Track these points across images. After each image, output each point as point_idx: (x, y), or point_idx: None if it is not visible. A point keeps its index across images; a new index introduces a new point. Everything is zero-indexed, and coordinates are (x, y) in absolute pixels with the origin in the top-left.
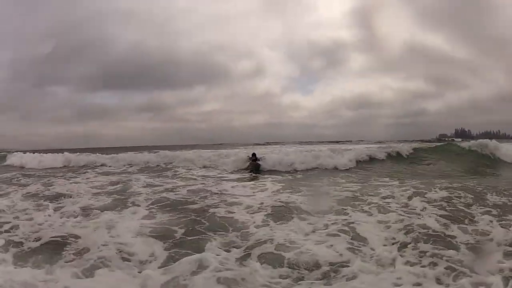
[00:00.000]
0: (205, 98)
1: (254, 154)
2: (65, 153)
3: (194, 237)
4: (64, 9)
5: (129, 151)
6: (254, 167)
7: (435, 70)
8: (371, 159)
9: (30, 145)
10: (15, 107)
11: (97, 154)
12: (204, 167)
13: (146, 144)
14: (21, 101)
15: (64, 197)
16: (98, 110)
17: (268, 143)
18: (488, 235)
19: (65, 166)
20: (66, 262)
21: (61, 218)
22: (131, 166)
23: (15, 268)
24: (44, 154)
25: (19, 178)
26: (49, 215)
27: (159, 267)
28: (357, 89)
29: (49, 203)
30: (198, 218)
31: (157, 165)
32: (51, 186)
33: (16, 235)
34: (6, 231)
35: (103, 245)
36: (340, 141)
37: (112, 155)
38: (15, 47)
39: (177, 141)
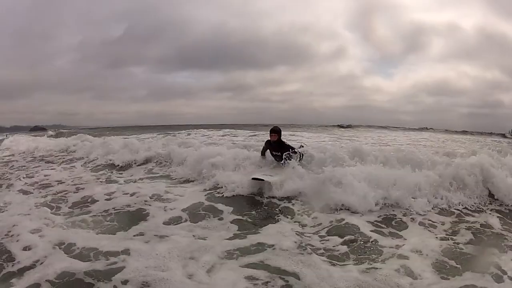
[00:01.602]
0: (287, 78)
1: (277, 131)
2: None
3: None
4: None
5: (207, 128)
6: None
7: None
8: None
9: (106, 123)
10: (89, 87)
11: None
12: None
13: (225, 123)
14: (95, 81)
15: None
16: (177, 89)
17: (350, 126)
18: None
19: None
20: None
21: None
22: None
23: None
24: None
25: None
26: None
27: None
28: (436, 75)
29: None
30: None
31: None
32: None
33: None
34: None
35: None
36: (422, 128)
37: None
38: (86, 30)
39: (257, 120)
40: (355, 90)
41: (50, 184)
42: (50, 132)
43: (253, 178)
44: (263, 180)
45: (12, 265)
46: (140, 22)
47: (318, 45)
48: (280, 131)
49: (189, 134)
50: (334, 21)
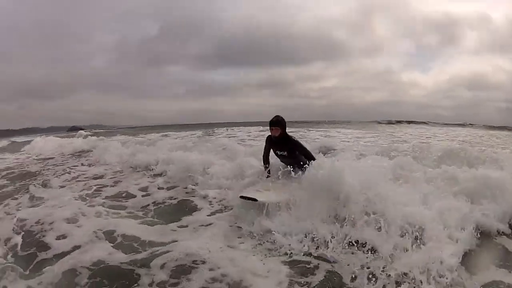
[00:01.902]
0: (324, 74)
1: (279, 122)
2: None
3: None
4: None
5: (248, 126)
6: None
7: None
8: None
9: (146, 121)
10: (127, 86)
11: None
12: None
13: (267, 120)
14: (133, 80)
15: None
16: (217, 86)
17: (391, 122)
18: None
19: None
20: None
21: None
22: None
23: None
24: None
25: None
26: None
27: None
28: (471, 68)
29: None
30: None
31: None
32: None
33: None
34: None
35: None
36: (462, 124)
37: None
38: (121, 29)
39: (297, 117)
40: (392, 85)
41: (86, 179)
42: (83, 133)
43: (241, 197)
44: (255, 200)
45: (46, 253)
46: (175, 19)
47: (354, 40)
48: (284, 122)
49: (226, 129)
50: (369, 13)
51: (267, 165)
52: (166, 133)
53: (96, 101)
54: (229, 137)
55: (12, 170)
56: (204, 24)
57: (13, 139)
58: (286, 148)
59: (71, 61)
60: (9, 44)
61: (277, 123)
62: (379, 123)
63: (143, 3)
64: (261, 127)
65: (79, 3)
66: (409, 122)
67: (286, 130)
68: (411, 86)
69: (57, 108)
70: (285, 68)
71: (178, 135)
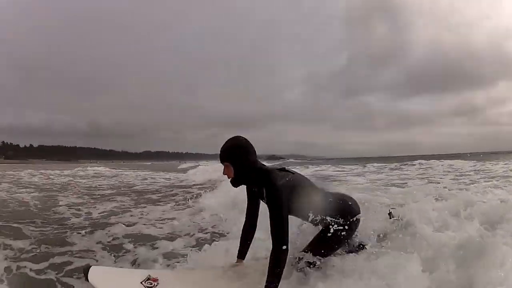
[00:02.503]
0: (509, 94)
1: (224, 157)
2: None
3: None
4: None
5: (444, 158)
6: None
7: None
8: None
9: (347, 153)
10: (325, 117)
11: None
12: None
13: (464, 152)
14: (330, 112)
15: None
16: (412, 117)
17: None
18: None
19: None
20: None
21: None
22: None
23: None
24: None
25: None
26: None
27: None
28: None
29: None
30: None
31: None
32: None
33: None
34: None
35: None
36: None
37: None
38: (310, 62)
39: (492, 147)
40: None
41: None
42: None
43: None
44: None
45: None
46: (360, 49)
47: None
48: (235, 151)
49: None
50: None
51: (247, 233)
52: (364, 165)
53: (295, 132)
54: (422, 168)
55: (203, 185)
56: (391, 51)
57: (201, 162)
58: (260, 195)
59: (264, 93)
60: (200, 81)
61: (222, 156)
62: None
63: (328, 35)
64: (461, 160)
65: (263, 40)
66: None
67: (265, 163)
68: None
69: (253, 137)
70: (473, 92)
71: (369, 166)
